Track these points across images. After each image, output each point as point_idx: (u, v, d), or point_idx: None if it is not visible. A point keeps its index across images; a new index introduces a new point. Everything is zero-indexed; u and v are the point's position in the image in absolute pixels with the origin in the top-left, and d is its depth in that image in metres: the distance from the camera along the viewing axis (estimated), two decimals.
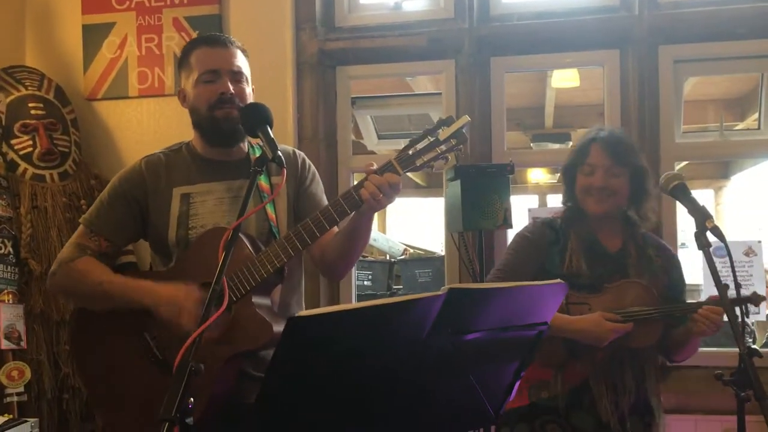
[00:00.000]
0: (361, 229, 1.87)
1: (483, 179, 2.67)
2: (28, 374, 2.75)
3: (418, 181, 8.69)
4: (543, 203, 7.91)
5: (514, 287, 1.46)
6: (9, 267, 2.81)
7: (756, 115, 3.43)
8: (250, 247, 1.84)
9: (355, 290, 3.49)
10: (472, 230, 2.78)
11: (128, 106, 3.30)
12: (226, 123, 1.94)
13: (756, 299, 2.11)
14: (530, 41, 3.14)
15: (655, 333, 2.13)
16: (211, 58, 1.97)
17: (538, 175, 8.22)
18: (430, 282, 5.16)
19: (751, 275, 3.06)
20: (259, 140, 1.79)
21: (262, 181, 1.99)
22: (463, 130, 1.74)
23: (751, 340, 3.64)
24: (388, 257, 6.03)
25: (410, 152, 1.75)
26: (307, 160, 2.14)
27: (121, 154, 3.26)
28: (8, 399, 2.70)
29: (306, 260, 2.15)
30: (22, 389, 2.74)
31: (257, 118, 1.79)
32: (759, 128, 3.35)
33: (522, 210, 3.47)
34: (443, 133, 1.73)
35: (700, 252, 1.83)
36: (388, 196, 1.75)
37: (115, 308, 1.90)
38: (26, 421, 2.53)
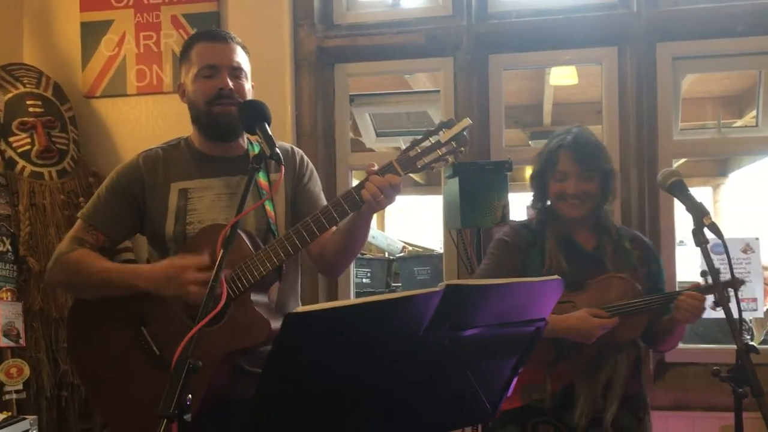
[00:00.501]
0: (360, 228, 1.88)
1: (481, 176, 2.68)
2: (26, 371, 2.75)
3: (417, 179, 8.69)
4: None
5: (511, 283, 1.46)
6: (8, 264, 2.81)
7: (754, 113, 3.43)
8: (249, 244, 1.84)
9: (354, 288, 3.49)
10: (471, 227, 2.79)
11: (126, 104, 3.30)
12: (223, 119, 1.94)
13: (735, 282, 2.08)
14: (528, 38, 3.15)
15: (641, 325, 2.15)
16: (211, 53, 1.97)
17: None
18: (429, 279, 5.17)
19: (749, 272, 3.06)
20: (257, 137, 1.79)
21: (261, 178, 1.99)
22: (464, 133, 1.75)
23: (749, 336, 3.64)
24: (386, 255, 6.03)
25: (411, 154, 1.76)
26: (305, 158, 2.14)
27: (119, 152, 3.26)
28: (7, 396, 2.71)
29: (303, 258, 2.15)
30: (20, 387, 2.74)
31: (255, 115, 1.79)
32: (757, 125, 3.36)
33: (520, 207, 3.47)
34: (444, 136, 1.75)
35: (698, 249, 1.84)
36: (388, 196, 1.76)
37: (112, 296, 1.91)
38: (25, 419, 2.53)
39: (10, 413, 2.61)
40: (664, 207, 3.00)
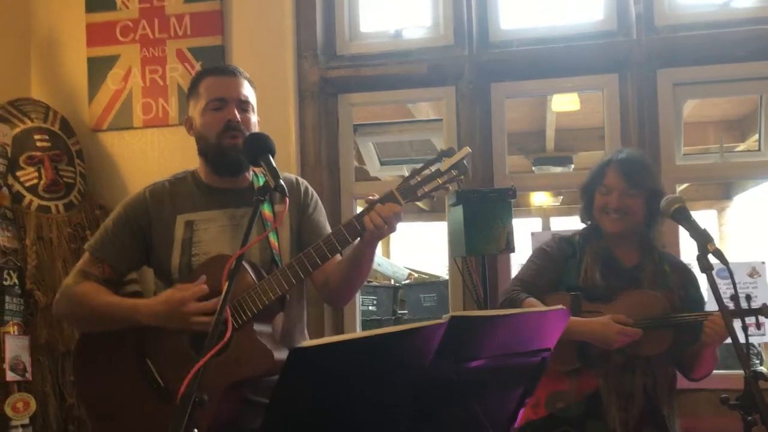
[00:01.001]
0: (364, 257, 1.89)
1: (485, 204, 2.68)
2: (33, 406, 2.74)
3: (422, 205, 8.69)
4: (546, 226, 7.88)
5: (516, 314, 1.46)
6: (14, 298, 2.81)
7: (756, 136, 3.44)
8: (252, 275, 1.85)
9: (360, 315, 3.48)
10: (476, 255, 2.78)
11: (133, 137, 3.33)
12: (232, 151, 1.97)
13: (766, 310, 2.12)
14: (530, 67, 3.17)
15: (665, 341, 2.17)
16: (219, 86, 2.01)
17: (541, 198, 8.21)
18: (436, 306, 5.15)
19: (756, 296, 3.03)
20: (261, 169, 1.81)
21: (266, 210, 2.01)
22: (464, 161, 1.77)
23: (758, 361, 3.61)
24: (392, 282, 6.02)
25: (411, 183, 1.78)
26: (310, 188, 2.16)
27: (125, 185, 3.28)
28: (13, 431, 2.69)
29: (308, 288, 2.16)
30: (27, 421, 2.73)
31: (259, 147, 1.81)
32: (759, 149, 3.36)
33: (525, 233, 3.46)
34: (444, 164, 1.77)
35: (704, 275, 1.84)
36: (390, 225, 1.77)
37: (117, 329, 1.92)
38: None
39: None
40: (669, 232, 2.99)
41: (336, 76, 3.28)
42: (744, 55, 2.99)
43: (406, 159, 4.75)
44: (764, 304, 2.14)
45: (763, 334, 3.10)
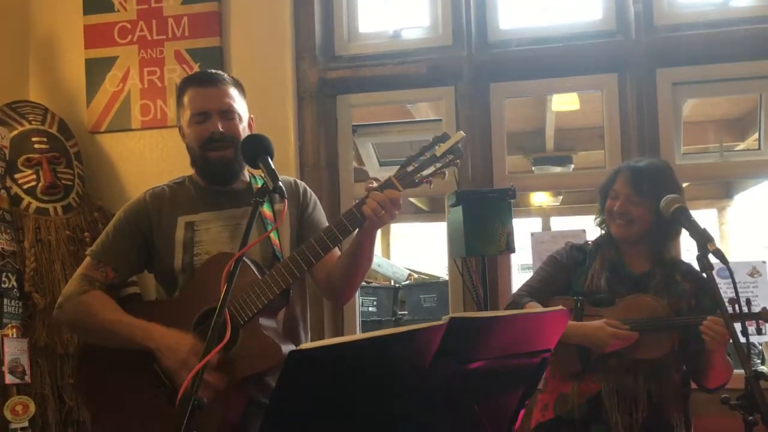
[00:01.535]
0: (364, 248, 1.89)
1: (484, 204, 2.68)
2: (32, 409, 2.73)
3: (421, 205, 8.69)
4: (546, 226, 7.87)
5: (516, 315, 1.45)
6: (13, 301, 2.81)
7: (756, 135, 3.43)
8: (255, 271, 1.86)
9: (360, 316, 3.48)
10: (475, 256, 2.78)
11: (131, 139, 3.33)
12: (218, 163, 2.00)
13: (766, 315, 2.11)
14: (529, 67, 3.17)
15: (664, 345, 2.15)
16: (200, 99, 2.02)
17: (541, 198, 8.21)
18: (436, 307, 5.14)
19: (757, 296, 3.03)
20: (260, 171, 1.81)
21: (265, 209, 2.02)
22: (459, 145, 1.78)
23: (759, 361, 3.60)
24: (392, 283, 6.01)
25: (409, 169, 1.80)
26: (308, 189, 2.17)
27: (124, 186, 3.27)
28: None
29: (310, 287, 2.15)
30: (26, 424, 2.72)
31: (257, 149, 1.82)
32: (759, 148, 3.35)
33: (525, 234, 3.46)
34: (440, 149, 1.79)
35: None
36: (389, 212, 1.78)
37: (119, 346, 1.90)
38: None
39: None
40: None
41: (335, 76, 3.27)
42: (743, 54, 2.99)
43: (405, 159, 4.74)
44: (764, 309, 2.13)
45: (764, 334, 3.10)
